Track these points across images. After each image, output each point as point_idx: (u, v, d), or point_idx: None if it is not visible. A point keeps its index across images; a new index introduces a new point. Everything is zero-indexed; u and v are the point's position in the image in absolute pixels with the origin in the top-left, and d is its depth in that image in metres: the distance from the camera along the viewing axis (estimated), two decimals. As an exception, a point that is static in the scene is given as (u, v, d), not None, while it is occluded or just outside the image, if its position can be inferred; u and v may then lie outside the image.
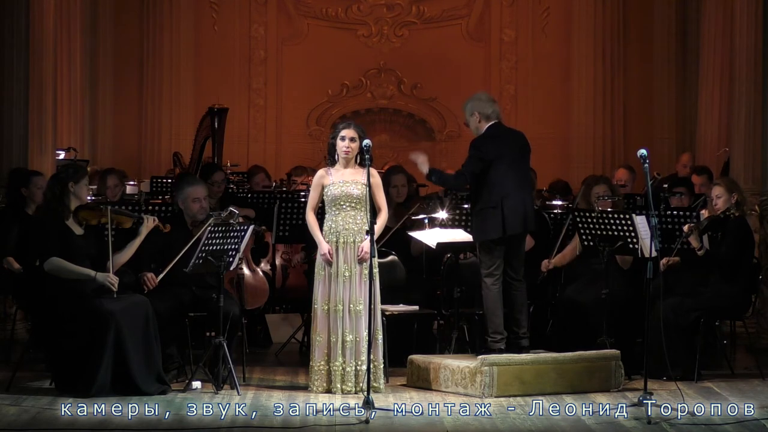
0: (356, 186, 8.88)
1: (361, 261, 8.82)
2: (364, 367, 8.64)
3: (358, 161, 8.96)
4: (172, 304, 9.07)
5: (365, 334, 8.70)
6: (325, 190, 8.93)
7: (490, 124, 9.16)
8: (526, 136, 9.32)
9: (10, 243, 9.79)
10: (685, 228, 9.57)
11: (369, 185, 8.58)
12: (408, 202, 10.84)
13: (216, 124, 11.90)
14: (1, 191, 11.11)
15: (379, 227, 8.89)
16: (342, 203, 8.88)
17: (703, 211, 9.80)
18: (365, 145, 8.58)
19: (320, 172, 9.04)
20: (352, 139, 8.92)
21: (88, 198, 9.27)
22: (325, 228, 8.92)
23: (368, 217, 8.69)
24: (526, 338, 9.17)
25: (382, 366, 8.88)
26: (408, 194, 11.06)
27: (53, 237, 8.56)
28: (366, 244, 8.74)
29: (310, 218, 8.98)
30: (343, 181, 8.90)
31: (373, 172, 8.83)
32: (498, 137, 9.12)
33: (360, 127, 9.07)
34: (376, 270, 8.72)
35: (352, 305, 8.81)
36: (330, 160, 9.01)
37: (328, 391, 8.77)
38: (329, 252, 8.83)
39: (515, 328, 9.16)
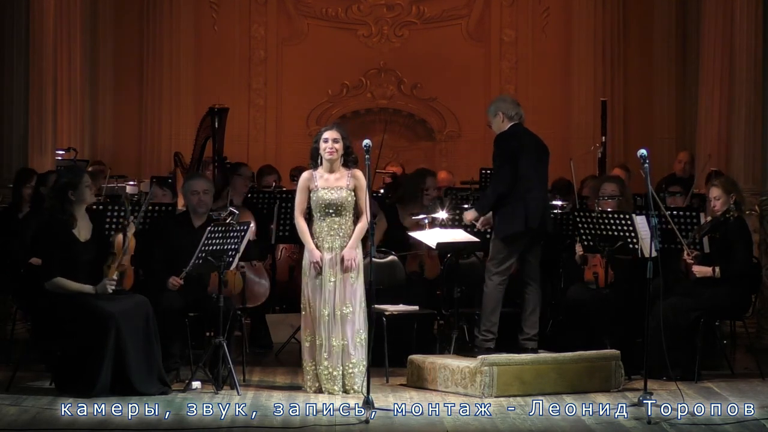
0: (340, 191, 8.84)
1: (345, 270, 8.81)
2: (354, 370, 8.72)
3: (343, 162, 8.92)
4: (177, 305, 9.07)
5: (355, 333, 8.75)
6: (311, 194, 8.87)
7: (512, 124, 9.33)
8: (543, 141, 9.51)
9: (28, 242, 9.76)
10: (688, 259, 9.59)
11: (369, 186, 8.55)
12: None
13: (216, 124, 11.88)
14: (2, 191, 11.12)
15: (358, 231, 8.84)
16: (326, 209, 8.84)
17: (701, 214, 9.77)
18: (365, 145, 8.44)
19: (305, 174, 8.95)
20: (335, 141, 8.84)
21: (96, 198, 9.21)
22: (310, 233, 8.92)
23: (367, 215, 8.67)
24: (534, 341, 9.18)
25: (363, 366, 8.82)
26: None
27: (56, 255, 8.52)
28: (347, 252, 8.75)
29: (300, 223, 8.89)
30: (328, 187, 8.85)
31: (360, 174, 8.82)
32: (518, 135, 9.30)
33: (343, 127, 8.99)
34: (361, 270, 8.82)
35: (338, 310, 8.80)
36: (313, 164, 8.92)
37: (319, 390, 8.78)
38: (321, 260, 8.81)
39: (526, 329, 9.18)
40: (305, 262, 8.91)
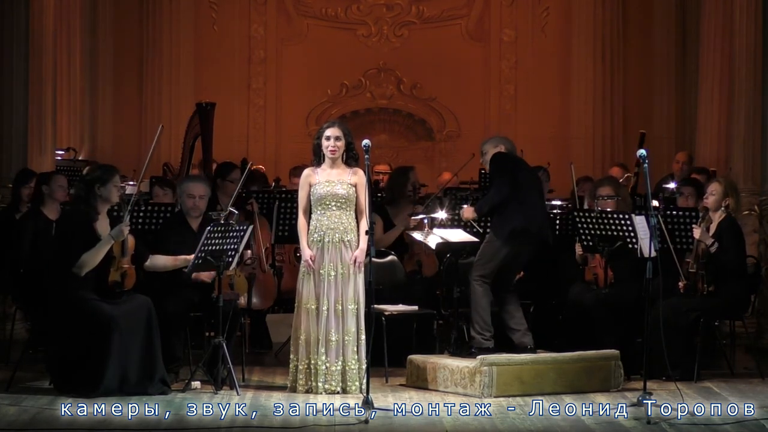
0: (342, 186, 8.85)
1: (357, 265, 8.81)
2: (352, 366, 8.72)
3: (344, 159, 8.93)
4: (183, 307, 9.07)
5: (353, 330, 8.76)
6: (312, 189, 8.89)
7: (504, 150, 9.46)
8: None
9: (26, 244, 9.75)
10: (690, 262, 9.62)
11: (369, 185, 8.56)
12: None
13: (205, 121, 11.78)
14: (2, 191, 11.12)
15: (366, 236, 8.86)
16: (328, 202, 8.84)
17: (694, 227, 9.71)
18: (364, 146, 8.44)
19: (307, 171, 8.99)
20: (337, 138, 8.87)
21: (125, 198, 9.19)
22: (311, 227, 8.90)
23: (367, 215, 8.66)
24: (528, 335, 9.18)
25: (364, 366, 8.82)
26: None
27: (78, 242, 8.52)
28: (359, 255, 8.76)
29: (301, 221, 8.93)
30: (329, 180, 8.86)
31: (361, 173, 8.82)
32: (515, 158, 9.45)
33: (344, 125, 9.02)
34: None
35: (337, 304, 8.81)
36: (316, 160, 8.96)
37: (310, 390, 8.77)
38: (311, 258, 8.81)
39: (514, 326, 9.18)
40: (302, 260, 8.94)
